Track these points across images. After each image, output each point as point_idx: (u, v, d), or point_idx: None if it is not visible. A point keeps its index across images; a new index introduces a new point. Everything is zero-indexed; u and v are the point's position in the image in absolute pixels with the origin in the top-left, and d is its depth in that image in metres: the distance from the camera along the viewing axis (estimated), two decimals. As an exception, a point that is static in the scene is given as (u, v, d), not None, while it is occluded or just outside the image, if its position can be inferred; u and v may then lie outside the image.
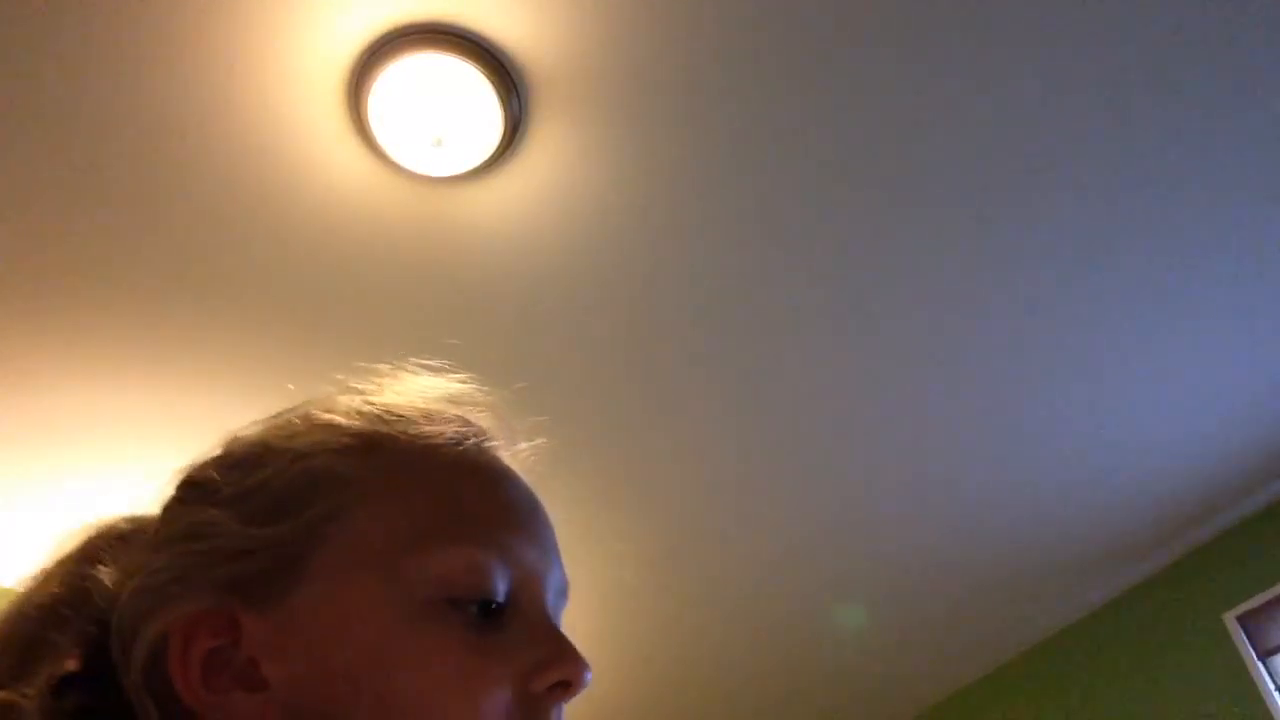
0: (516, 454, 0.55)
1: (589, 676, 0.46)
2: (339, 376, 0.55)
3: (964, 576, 2.74)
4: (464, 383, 0.56)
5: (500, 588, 0.45)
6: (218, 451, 0.50)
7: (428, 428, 0.50)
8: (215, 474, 0.48)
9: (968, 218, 1.67)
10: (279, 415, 0.51)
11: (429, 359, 0.57)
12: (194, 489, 0.48)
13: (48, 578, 0.48)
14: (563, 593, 0.52)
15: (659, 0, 1.31)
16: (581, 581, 0.55)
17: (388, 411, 0.50)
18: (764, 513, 2.36)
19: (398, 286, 1.66)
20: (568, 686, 0.45)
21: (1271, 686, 2.47)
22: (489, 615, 0.45)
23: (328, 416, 0.50)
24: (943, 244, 1.71)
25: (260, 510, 0.45)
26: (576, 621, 0.52)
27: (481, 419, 0.53)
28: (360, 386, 0.53)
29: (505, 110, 1.40)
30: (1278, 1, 1.38)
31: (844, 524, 2.45)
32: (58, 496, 1.99)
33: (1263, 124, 1.56)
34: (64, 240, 1.52)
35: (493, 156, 1.47)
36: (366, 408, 0.50)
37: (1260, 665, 2.50)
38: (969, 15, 1.36)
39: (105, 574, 0.44)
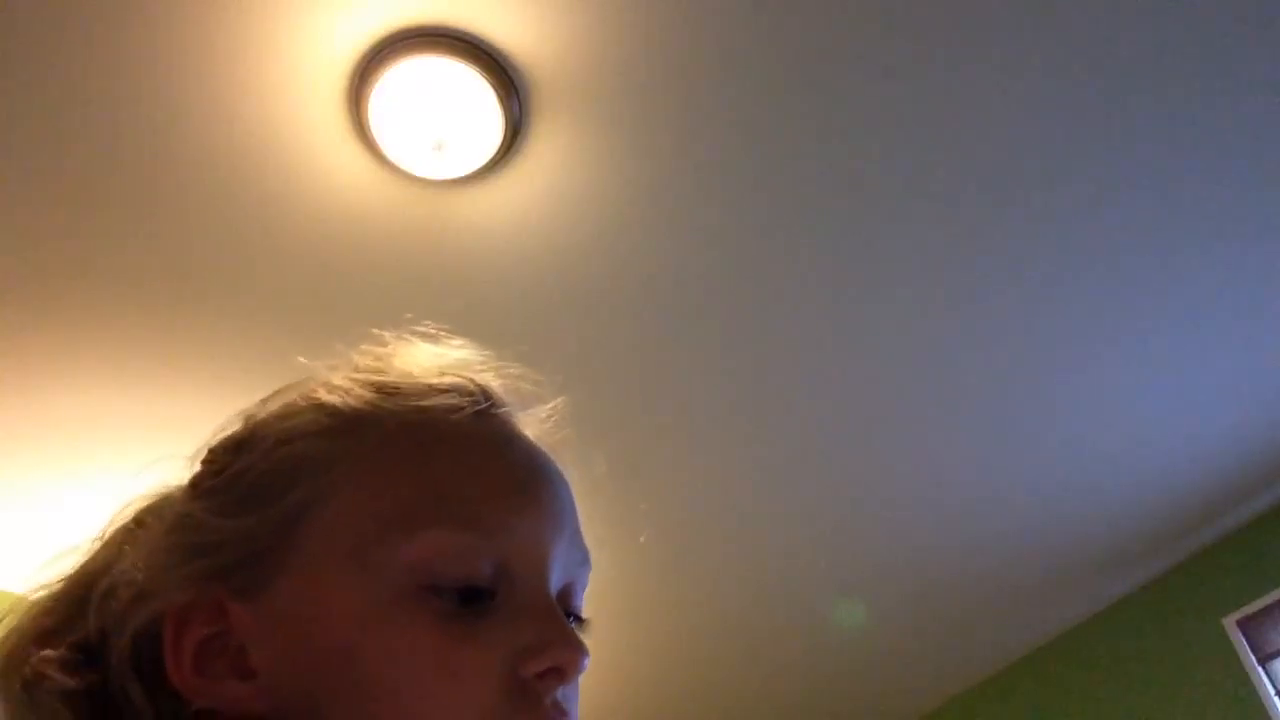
0: (533, 420, 0.52)
1: (585, 662, 0.43)
2: (340, 349, 0.52)
3: (964, 581, 2.74)
4: (472, 349, 0.53)
5: (483, 570, 0.43)
6: (221, 434, 0.49)
7: (422, 400, 0.47)
8: (208, 460, 0.48)
9: (968, 220, 1.67)
10: (283, 391, 0.50)
11: (435, 328, 0.54)
12: (192, 478, 0.48)
13: (101, 545, 0.48)
14: (581, 563, 0.49)
15: (659, 3, 1.31)
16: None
17: (383, 386, 0.48)
18: (764, 515, 2.36)
19: (398, 289, 1.66)
20: (560, 673, 0.42)
21: (1271, 691, 2.47)
22: (474, 599, 0.42)
23: (319, 395, 0.48)
24: (943, 246, 1.71)
25: (241, 499, 0.45)
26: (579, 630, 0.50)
27: (490, 384, 0.51)
28: (362, 359, 0.51)
29: (505, 113, 1.40)
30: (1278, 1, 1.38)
31: (844, 527, 2.44)
32: (57, 499, 1.99)
33: (1264, 123, 1.56)
34: (64, 242, 1.52)
35: (493, 160, 1.47)
36: (362, 383, 0.48)
37: (1260, 670, 2.50)
38: (968, 18, 1.37)
39: (126, 554, 0.45)
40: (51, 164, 1.42)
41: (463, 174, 1.48)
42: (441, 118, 1.41)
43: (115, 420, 1.83)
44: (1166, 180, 1.64)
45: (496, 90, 1.37)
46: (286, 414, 0.48)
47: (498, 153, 1.46)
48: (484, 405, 0.49)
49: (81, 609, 0.44)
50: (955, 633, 3.02)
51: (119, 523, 0.49)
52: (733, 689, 3.15)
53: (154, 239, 1.54)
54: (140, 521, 0.48)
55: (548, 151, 1.48)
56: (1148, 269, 1.80)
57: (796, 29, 1.36)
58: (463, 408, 0.48)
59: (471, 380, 0.50)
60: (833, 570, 2.61)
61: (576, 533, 0.49)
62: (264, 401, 0.50)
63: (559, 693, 0.43)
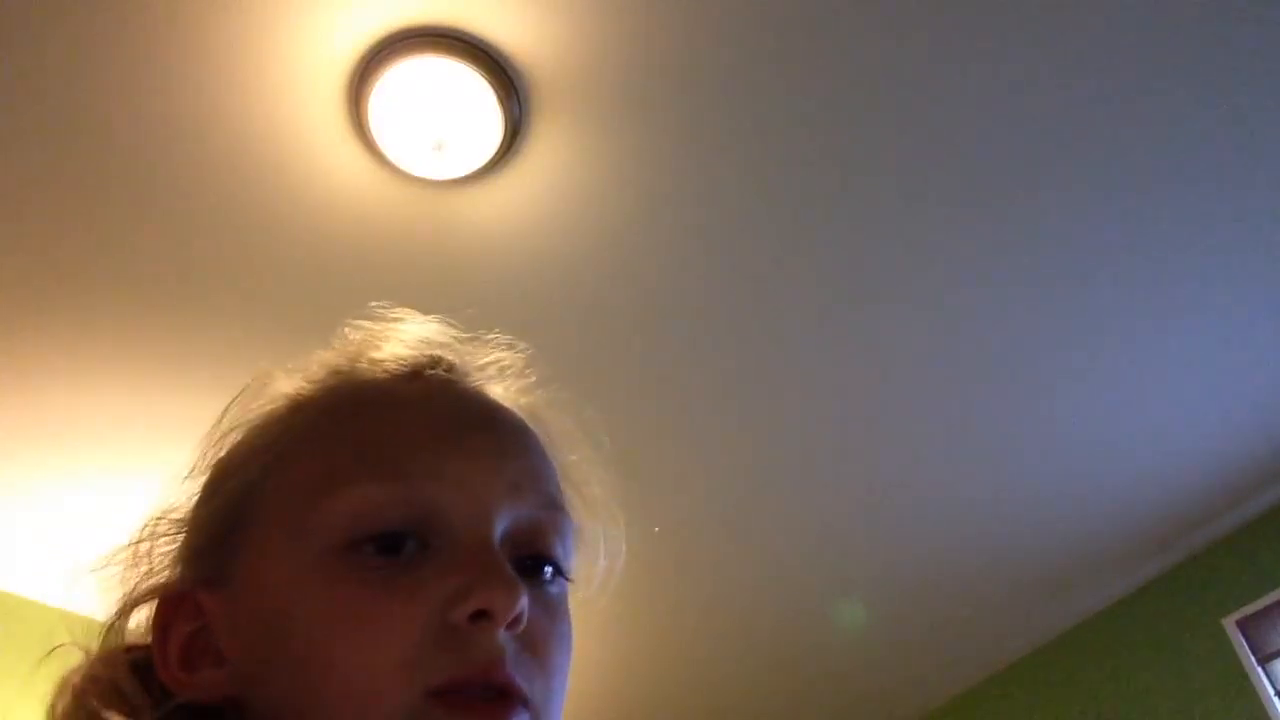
0: (497, 381, 0.52)
1: (517, 602, 0.40)
2: (334, 333, 0.53)
3: (964, 581, 2.74)
4: (438, 323, 0.53)
5: (404, 520, 0.41)
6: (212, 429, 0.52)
7: (360, 374, 0.48)
8: (197, 462, 0.50)
9: (967, 222, 1.67)
10: (249, 384, 0.52)
11: (399, 309, 0.54)
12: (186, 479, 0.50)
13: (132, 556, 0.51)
14: (544, 505, 0.46)
15: (659, 4, 1.31)
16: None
17: (331, 367, 0.50)
18: (763, 516, 2.36)
19: (398, 289, 1.66)
20: (489, 615, 0.40)
21: (1271, 691, 2.47)
22: (397, 551, 0.41)
23: (278, 383, 0.50)
24: (943, 248, 1.71)
25: (206, 491, 0.47)
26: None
27: (437, 352, 0.50)
28: (329, 350, 0.52)
29: (505, 113, 1.40)
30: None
31: (844, 527, 2.44)
32: (57, 499, 1.99)
33: (1267, 121, 1.56)
34: (64, 242, 1.52)
35: (493, 160, 1.47)
36: (316, 365, 0.50)
37: (1260, 670, 2.50)
38: (969, 20, 1.37)
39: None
40: (51, 164, 1.42)
41: (463, 174, 1.48)
42: (441, 118, 1.41)
43: (115, 420, 1.83)
44: (1167, 181, 1.64)
45: (496, 90, 1.37)
46: (253, 405, 0.50)
47: (497, 153, 1.46)
48: (419, 367, 0.49)
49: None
50: (955, 633, 3.02)
51: (139, 534, 0.50)
52: (732, 689, 3.15)
53: (154, 239, 1.54)
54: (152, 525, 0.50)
55: (547, 151, 1.48)
56: (1148, 270, 1.80)
57: (796, 29, 1.36)
58: (398, 374, 0.48)
59: (416, 350, 0.50)
60: (833, 570, 2.61)
61: (531, 474, 0.47)
62: (240, 394, 0.52)
63: (504, 639, 0.40)
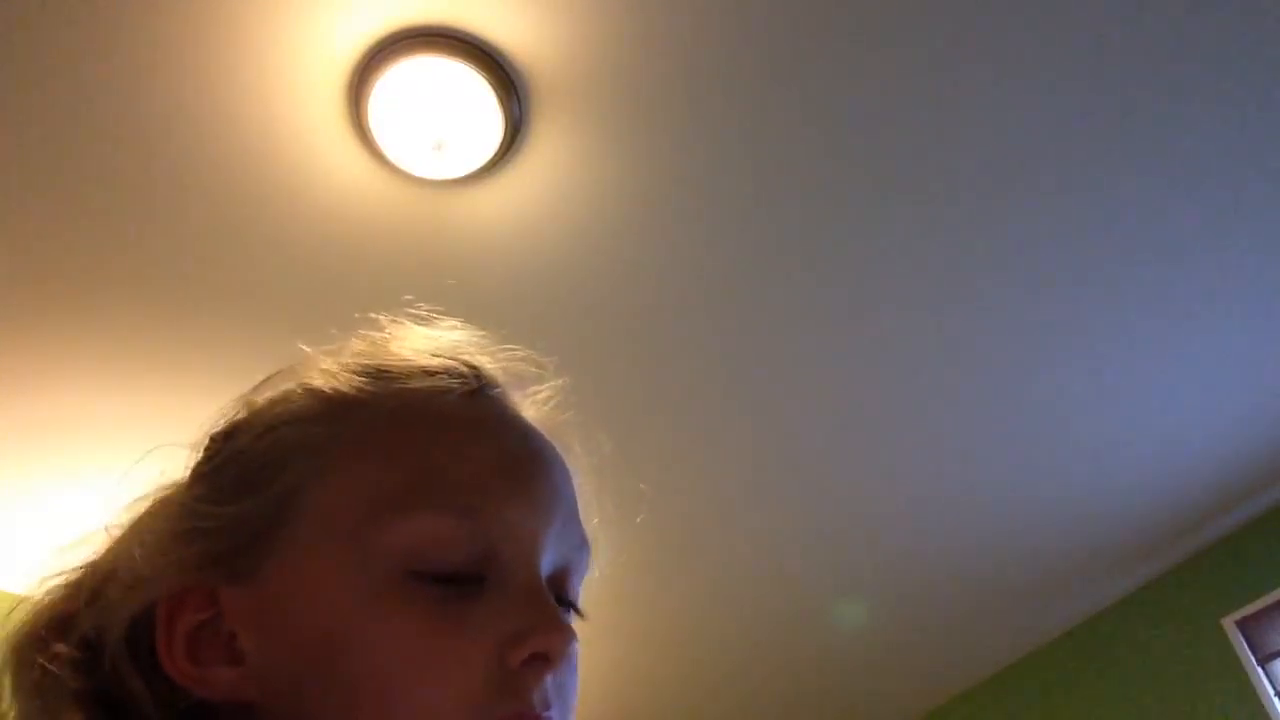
0: (534, 403, 0.52)
1: (573, 647, 0.42)
2: (335, 332, 0.52)
3: (964, 581, 2.74)
4: (469, 330, 0.52)
5: (468, 555, 0.42)
6: (219, 420, 0.50)
7: (411, 383, 0.47)
8: (205, 448, 0.48)
9: (968, 219, 1.67)
10: (277, 376, 0.50)
11: (429, 311, 0.53)
12: (192, 467, 0.48)
13: (112, 536, 0.49)
14: (577, 547, 0.48)
15: (659, 4, 1.31)
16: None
17: (374, 370, 0.48)
18: (763, 515, 2.36)
19: (398, 290, 1.65)
20: (546, 659, 0.41)
21: (1271, 692, 2.47)
22: (460, 585, 0.41)
23: (311, 380, 0.48)
24: (944, 246, 1.71)
25: (233, 484, 0.45)
26: (575, 620, 0.50)
27: (482, 365, 0.50)
28: (357, 344, 0.51)
29: (505, 113, 1.40)
30: None
31: (844, 527, 2.44)
32: (57, 499, 1.99)
33: (1269, 125, 1.56)
34: (63, 242, 1.52)
35: (493, 159, 1.47)
36: (353, 367, 0.48)
37: (1259, 670, 2.50)
38: (970, 19, 1.37)
39: (129, 545, 0.46)
40: (51, 164, 1.42)
41: (463, 174, 1.48)
42: (441, 118, 1.41)
43: (116, 420, 1.83)
44: (1168, 182, 1.64)
45: (496, 90, 1.37)
46: (278, 399, 0.48)
47: (498, 153, 1.46)
48: (474, 386, 0.48)
49: (87, 600, 0.44)
50: (955, 633, 3.02)
51: (126, 515, 0.49)
52: (732, 689, 3.15)
53: (154, 239, 1.54)
54: (149, 512, 0.49)
55: (548, 151, 1.48)
56: (1148, 272, 1.80)
57: (797, 28, 1.36)
58: (452, 389, 0.47)
59: (463, 361, 0.49)
60: (833, 570, 2.61)
61: (572, 517, 0.48)
62: (258, 387, 0.50)
63: (548, 681, 0.41)
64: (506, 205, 1.56)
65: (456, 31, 1.32)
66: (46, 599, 0.46)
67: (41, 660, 0.42)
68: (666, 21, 1.33)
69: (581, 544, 0.48)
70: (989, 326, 1.89)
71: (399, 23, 1.30)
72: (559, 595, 0.47)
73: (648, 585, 2.52)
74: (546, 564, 0.45)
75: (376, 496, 0.43)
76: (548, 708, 0.41)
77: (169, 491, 0.49)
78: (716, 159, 1.52)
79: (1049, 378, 2.04)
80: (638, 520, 2.25)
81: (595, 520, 0.52)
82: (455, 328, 0.53)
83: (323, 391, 0.47)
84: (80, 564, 0.47)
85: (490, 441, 0.46)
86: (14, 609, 0.46)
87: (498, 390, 0.50)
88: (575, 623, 0.48)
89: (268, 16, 1.27)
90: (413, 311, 0.53)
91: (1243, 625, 2.55)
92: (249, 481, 0.45)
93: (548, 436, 0.50)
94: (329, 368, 0.49)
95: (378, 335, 0.51)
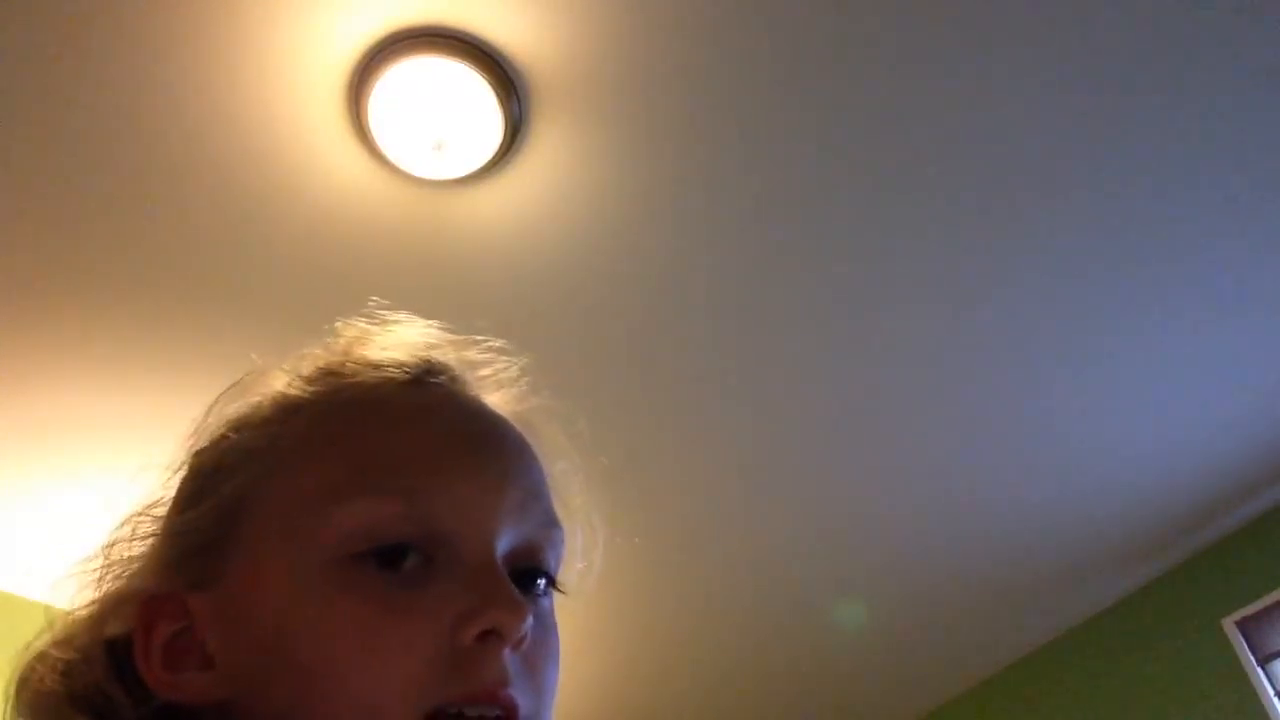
0: (491, 386, 0.52)
1: (523, 623, 0.41)
2: (316, 339, 0.52)
3: (964, 581, 2.74)
4: (436, 326, 0.52)
5: (412, 536, 0.41)
6: (192, 428, 0.51)
7: (358, 379, 0.47)
8: (179, 457, 0.49)
9: (971, 218, 1.67)
10: (237, 382, 0.51)
11: (405, 314, 0.53)
12: (169, 474, 0.50)
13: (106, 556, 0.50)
14: (544, 524, 0.47)
15: (659, 3, 1.31)
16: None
17: (326, 368, 0.48)
18: (764, 515, 2.36)
19: (398, 290, 1.66)
20: (499, 635, 0.40)
21: (1271, 692, 2.47)
22: (402, 568, 0.41)
23: (271, 385, 0.49)
24: (946, 245, 1.71)
25: (193, 492, 0.46)
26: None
27: (434, 357, 0.50)
28: (319, 349, 0.51)
29: (505, 113, 1.40)
30: None
31: (844, 526, 2.44)
32: (57, 499, 1.99)
33: (1271, 126, 1.56)
34: (63, 242, 1.52)
35: (493, 160, 1.47)
36: (307, 368, 0.49)
37: (1260, 671, 2.50)
38: (973, 17, 1.36)
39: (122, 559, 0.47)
40: (51, 164, 1.42)
41: (463, 174, 1.48)
42: (441, 118, 1.41)
43: (115, 420, 1.83)
44: (1171, 182, 1.64)
45: (496, 90, 1.37)
46: (241, 407, 0.49)
47: (498, 153, 1.46)
48: (419, 374, 0.48)
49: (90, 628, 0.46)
50: (955, 633, 3.02)
51: (119, 532, 0.50)
52: (732, 689, 3.15)
53: (153, 239, 1.54)
54: (139, 526, 0.50)
55: (548, 151, 1.48)
56: (1148, 270, 1.80)
57: (797, 27, 1.36)
58: (396, 381, 0.47)
59: (413, 354, 0.50)
60: (833, 570, 2.61)
61: (533, 495, 0.47)
62: (223, 394, 0.51)
63: (507, 658, 0.41)
64: (506, 205, 1.56)
65: (456, 31, 1.32)
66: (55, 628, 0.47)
67: (37, 675, 0.44)
68: (666, 21, 1.33)
69: (549, 521, 0.47)
70: (990, 330, 1.89)
71: (399, 23, 1.30)
72: (529, 570, 0.46)
73: (647, 585, 2.52)
74: (504, 543, 0.44)
75: (314, 489, 0.43)
76: (507, 685, 0.40)
77: (155, 503, 0.50)
78: (716, 159, 1.52)
79: (1049, 378, 2.04)
80: (638, 520, 2.25)
81: (578, 500, 0.52)
82: (417, 323, 0.53)
83: (275, 394, 0.48)
84: (90, 602, 0.48)
85: (432, 424, 0.46)
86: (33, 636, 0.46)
87: (444, 377, 0.49)
88: (568, 608, 0.49)
89: (268, 16, 1.27)
90: (381, 312, 0.53)
91: (1243, 625, 2.55)
92: (202, 489, 0.46)
93: (511, 420, 0.50)
94: (299, 368, 0.49)
95: (342, 340, 0.52)
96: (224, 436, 0.47)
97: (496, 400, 0.51)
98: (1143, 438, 2.25)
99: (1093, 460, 2.30)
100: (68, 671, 0.43)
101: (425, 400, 0.47)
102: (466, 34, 1.32)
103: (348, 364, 0.48)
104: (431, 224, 1.57)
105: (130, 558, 0.46)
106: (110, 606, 0.44)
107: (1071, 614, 3.00)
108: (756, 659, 3.00)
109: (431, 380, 0.48)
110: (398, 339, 0.51)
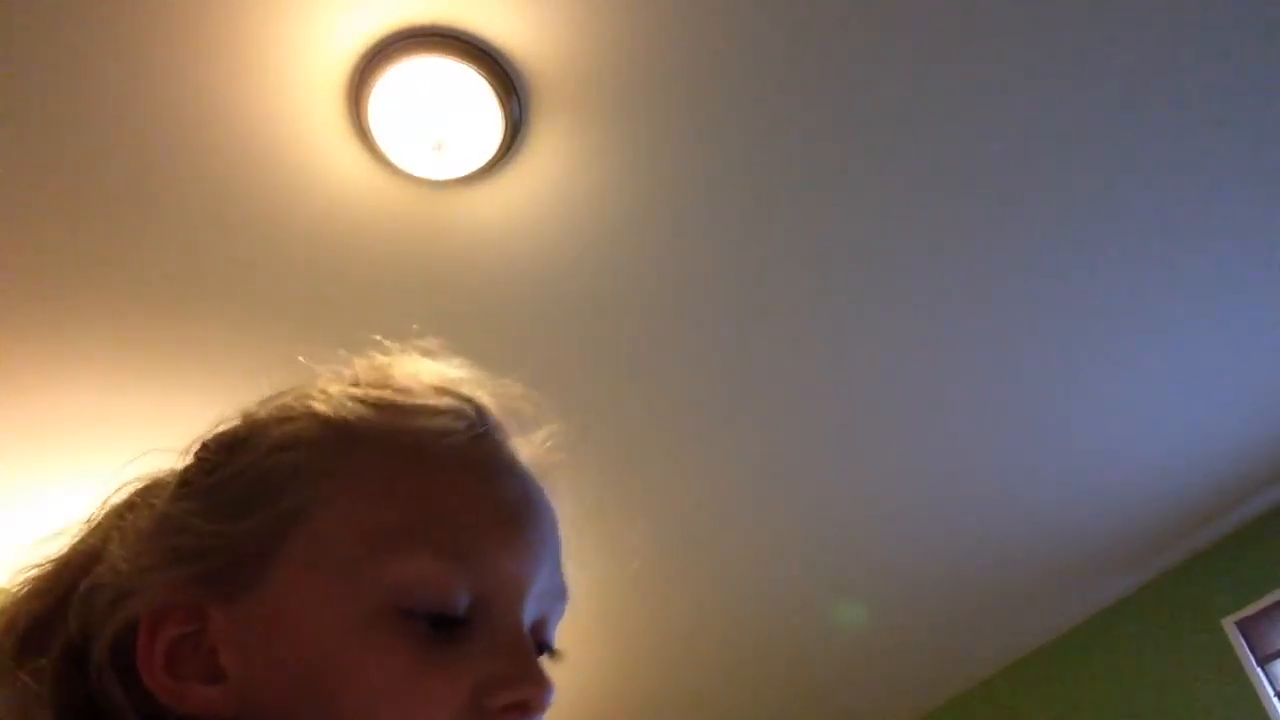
0: (529, 444, 0.52)
1: (549, 698, 0.44)
2: (343, 353, 0.53)
3: (964, 581, 2.74)
4: (471, 369, 0.53)
5: (460, 600, 0.43)
6: (217, 430, 0.50)
7: (419, 420, 0.47)
8: (200, 456, 0.48)
9: (971, 218, 1.67)
10: (281, 395, 0.50)
11: (437, 345, 0.54)
12: (181, 473, 0.48)
13: (91, 528, 0.49)
14: (557, 597, 0.49)
15: (660, 3, 1.31)
16: (580, 580, 0.53)
17: (381, 400, 0.48)
18: (764, 515, 2.36)
19: (398, 289, 1.66)
20: (524, 708, 0.43)
21: (1271, 692, 2.47)
22: (447, 627, 0.43)
23: (316, 404, 0.48)
24: (946, 246, 1.71)
25: (230, 502, 0.45)
26: (573, 620, 0.51)
27: (486, 405, 0.51)
28: (362, 369, 0.51)
29: (505, 113, 1.40)
30: None
31: (844, 527, 2.44)
32: (57, 499, 1.99)
33: (1272, 128, 1.56)
34: (64, 243, 1.52)
35: (493, 159, 1.47)
36: (360, 396, 0.48)
37: (1259, 671, 2.50)
38: (975, 16, 1.36)
39: (113, 543, 0.45)
40: (51, 165, 1.42)
41: (463, 174, 1.48)
42: (441, 118, 1.41)
43: (115, 420, 1.83)
44: (1175, 182, 1.64)
45: (496, 90, 1.37)
46: (283, 420, 0.48)
47: (498, 153, 1.46)
48: (479, 429, 0.49)
49: (66, 599, 0.44)
50: (955, 633, 3.02)
51: (109, 506, 0.49)
52: (731, 689, 3.15)
53: (153, 240, 1.54)
54: (131, 505, 0.49)
55: (548, 151, 1.48)
56: (1150, 270, 1.80)
57: (798, 27, 1.36)
58: (458, 430, 0.48)
59: (469, 401, 0.50)
60: (833, 570, 2.61)
61: (556, 567, 0.49)
62: (263, 403, 0.50)
63: None
64: (506, 205, 1.56)
65: (456, 31, 1.32)
66: (23, 599, 0.46)
67: (24, 676, 0.43)
68: (667, 21, 1.33)
69: (561, 594, 0.50)
70: (990, 331, 1.89)
71: (399, 23, 1.30)
72: (537, 642, 0.48)
73: (647, 586, 2.52)
74: (529, 614, 0.47)
75: (374, 531, 0.43)
76: None
77: (154, 493, 0.48)
78: (716, 159, 1.52)
79: (1050, 379, 2.04)
80: (637, 521, 2.25)
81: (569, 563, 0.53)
82: (460, 365, 0.53)
83: (327, 417, 0.47)
84: (54, 558, 0.47)
85: (489, 488, 0.47)
86: None
87: (498, 433, 0.51)
88: (568, 608, 0.50)
89: (268, 16, 1.27)
90: (419, 343, 0.54)
91: (1243, 625, 2.55)
92: (245, 502, 0.45)
93: (538, 479, 0.51)
94: (337, 393, 0.49)
95: (384, 361, 0.52)
96: (270, 451, 0.46)
97: (528, 456, 0.52)
98: (1142, 438, 2.25)
99: (1093, 461, 2.30)
100: (57, 673, 0.42)
101: (482, 458, 0.48)
102: (466, 34, 1.32)
103: (402, 400, 0.49)
104: (431, 224, 1.57)
105: (131, 550, 0.44)
106: (115, 606, 0.43)
107: (1071, 614, 3.01)
108: (756, 659, 3.00)
109: (486, 437, 0.49)
110: (448, 379, 0.51)
